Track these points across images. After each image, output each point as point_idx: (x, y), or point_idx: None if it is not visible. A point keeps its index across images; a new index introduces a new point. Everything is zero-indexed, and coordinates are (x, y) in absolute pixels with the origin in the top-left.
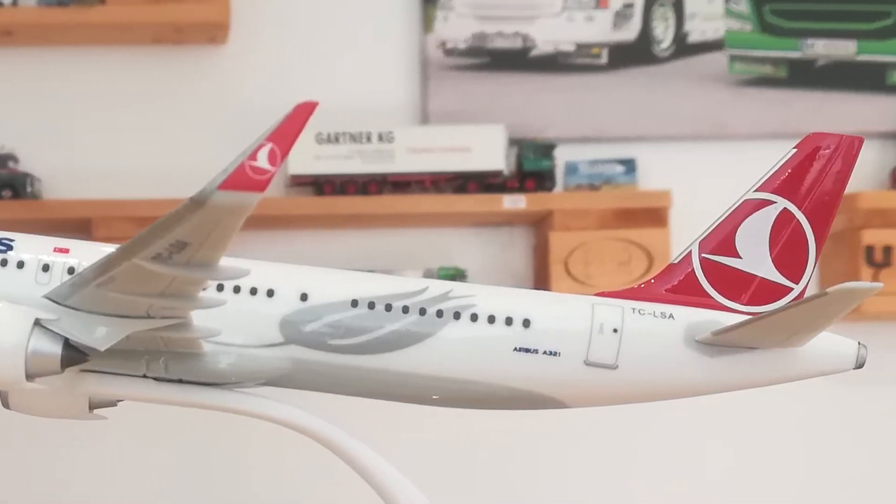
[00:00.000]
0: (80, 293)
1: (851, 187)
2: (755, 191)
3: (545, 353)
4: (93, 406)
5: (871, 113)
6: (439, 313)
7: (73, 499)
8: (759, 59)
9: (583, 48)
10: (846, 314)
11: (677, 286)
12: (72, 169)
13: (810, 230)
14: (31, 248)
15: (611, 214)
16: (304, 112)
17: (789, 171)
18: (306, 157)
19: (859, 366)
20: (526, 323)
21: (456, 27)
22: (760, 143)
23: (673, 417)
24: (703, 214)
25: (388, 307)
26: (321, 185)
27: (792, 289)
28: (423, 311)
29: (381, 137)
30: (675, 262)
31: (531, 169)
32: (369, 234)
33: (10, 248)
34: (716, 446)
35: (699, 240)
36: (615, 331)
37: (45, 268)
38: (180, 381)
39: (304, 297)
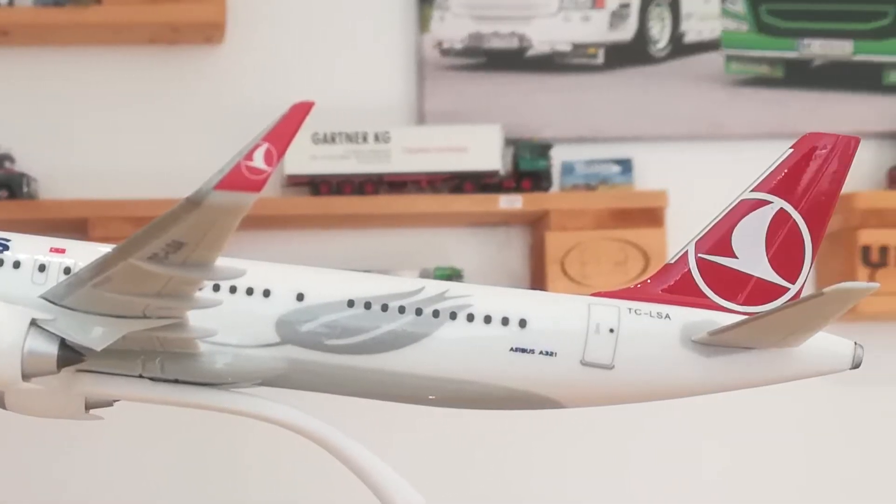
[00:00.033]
0: (76, 293)
1: (848, 187)
2: (751, 191)
3: (542, 353)
4: (89, 406)
5: (867, 113)
6: (436, 313)
7: (70, 499)
8: (756, 59)
9: (579, 48)
10: (843, 314)
11: (674, 286)
12: (68, 169)
13: (807, 230)
14: (27, 248)
15: (607, 214)
16: (300, 112)
17: (786, 171)
18: (302, 157)
19: (856, 366)
20: (522, 323)
21: (452, 27)
22: (757, 143)
23: (669, 417)
24: (699, 214)
25: (385, 307)
26: (317, 185)
27: (788, 289)
28: (419, 312)
29: (377, 137)
30: (672, 262)
31: (527, 169)
32: (366, 235)
33: (6, 248)
34: (712, 446)
35: (695, 240)
36: (611, 331)
37: (42, 268)
38: (176, 382)
39: (300, 298)
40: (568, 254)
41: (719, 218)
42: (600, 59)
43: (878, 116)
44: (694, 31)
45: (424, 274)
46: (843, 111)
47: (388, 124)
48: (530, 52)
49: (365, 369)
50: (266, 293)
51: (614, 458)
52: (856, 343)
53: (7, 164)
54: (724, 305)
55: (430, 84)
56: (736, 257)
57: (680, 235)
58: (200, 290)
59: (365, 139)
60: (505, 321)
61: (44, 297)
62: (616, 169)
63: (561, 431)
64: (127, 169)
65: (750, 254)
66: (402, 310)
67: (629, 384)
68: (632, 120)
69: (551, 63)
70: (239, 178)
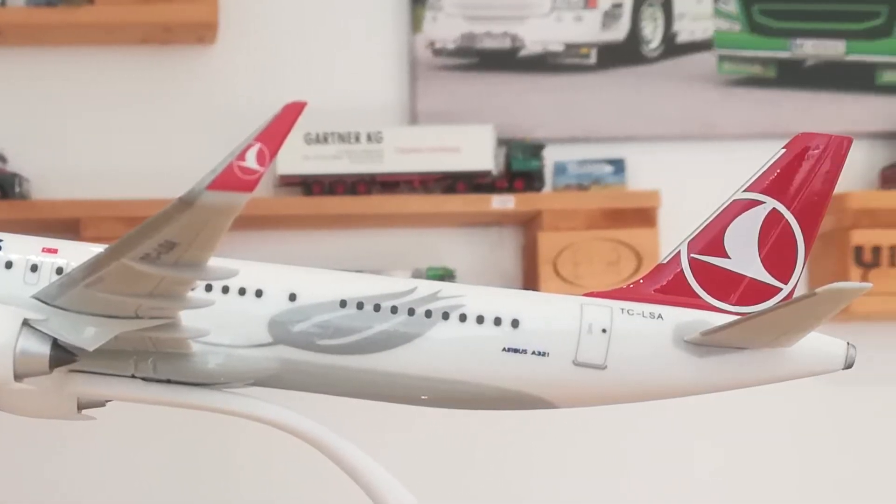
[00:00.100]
0: (68, 293)
1: (840, 187)
2: (744, 191)
3: (534, 353)
4: (81, 406)
5: (860, 113)
6: (428, 313)
7: (63, 499)
8: (748, 59)
9: (572, 48)
10: (835, 314)
11: (666, 286)
12: (60, 169)
13: (799, 230)
14: (19, 248)
15: (599, 214)
16: (292, 112)
17: (778, 171)
18: (295, 158)
19: (848, 366)
20: (515, 323)
21: (445, 27)
22: (749, 143)
23: (662, 418)
24: (691, 214)
25: (377, 307)
26: (310, 185)
27: (781, 289)
28: (411, 312)
29: (369, 137)
30: (664, 262)
31: (520, 169)
32: (358, 235)
33: None
34: (705, 446)
35: (688, 240)
36: (604, 331)
37: (34, 268)
38: (169, 382)
39: (292, 298)
40: (560, 254)
41: (712, 218)
42: (593, 60)
43: (870, 116)
44: (686, 31)
45: (417, 274)
46: (836, 111)
47: (380, 124)
48: (523, 53)
49: (357, 369)
50: (258, 293)
51: (607, 459)
52: (848, 343)
53: None
54: (717, 305)
55: (423, 84)
56: (728, 257)
57: (672, 235)
58: (193, 290)
59: (357, 139)
60: (497, 321)
61: (36, 298)
62: (608, 169)
63: (554, 432)
64: (119, 169)
65: (742, 254)
66: (394, 310)
67: (622, 384)
68: (624, 120)
69: (544, 63)
70: (231, 178)
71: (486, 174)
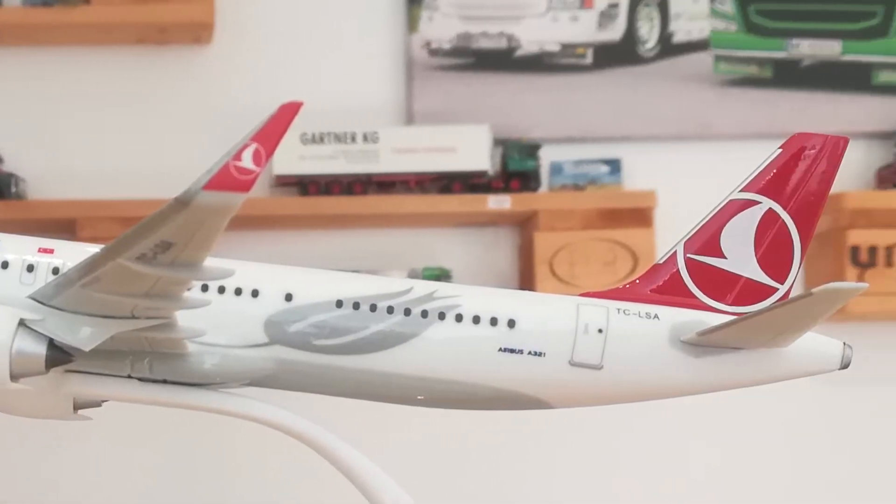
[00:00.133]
0: (64, 293)
1: (836, 187)
2: (740, 191)
3: (530, 353)
4: (77, 406)
5: (856, 113)
6: (424, 314)
7: (59, 499)
8: (744, 59)
9: (568, 48)
10: (831, 314)
11: (662, 286)
12: (57, 169)
13: (795, 230)
14: (15, 248)
15: (596, 215)
16: (288, 112)
17: (774, 171)
18: (291, 158)
19: (844, 366)
20: (511, 323)
21: (441, 27)
22: (745, 143)
23: (658, 418)
24: (688, 215)
25: (373, 307)
26: (306, 185)
27: (777, 289)
28: (407, 312)
29: (365, 138)
30: (660, 262)
31: (516, 169)
32: (354, 235)
33: None
34: (701, 447)
35: (684, 240)
36: (600, 331)
37: (30, 268)
38: (165, 382)
39: (288, 298)
40: (556, 254)
41: (708, 218)
42: (589, 60)
43: (866, 116)
44: (683, 31)
45: (413, 274)
46: (832, 111)
47: (376, 124)
48: (519, 53)
49: (353, 370)
50: (255, 293)
51: (603, 459)
52: (845, 343)
53: None
54: (713, 306)
55: (419, 84)
56: (725, 257)
57: (668, 236)
58: (189, 290)
59: (353, 139)
60: (493, 321)
61: (32, 298)
62: (605, 169)
63: (550, 432)
64: (115, 169)
65: (739, 254)
66: (390, 310)
67: (618, 384)
68: (620, 120)
69: (540, 63)
70: (227, 179)
71: (482, 174)
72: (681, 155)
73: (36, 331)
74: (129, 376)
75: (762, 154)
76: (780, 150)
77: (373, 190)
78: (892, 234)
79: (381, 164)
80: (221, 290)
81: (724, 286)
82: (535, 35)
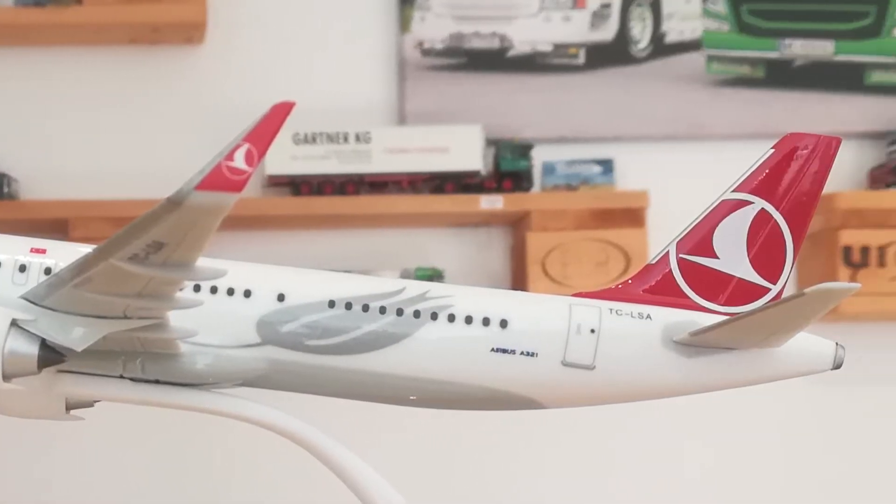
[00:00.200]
0: (56, 294)
1: (829, 188)
2: (733, 191)
3: (522, 353)
4: (70, 407)
5: (848, 113)
6: (416, 314)
7: (52, 499)
8: (737, 59)
9: (560, 48)
10: (824, 315)
11: (655, 287)
12: (49, 169)
13: (788, 231)
14: (7, 248)
15: (588, 215)
16: (281, 112)
17: (767, 171)
18: (283, 158)
19: (837, 366)
20: (503, 323)
21: (433, 27)
22: (738, 143)
23: (651, 418)
24: (680, 215)
25: (366, 308)
26: (298, 185)
27: (770, 289)
28: (400, 312)
29: (358, 138)
30: (653, 262)
31: (508, 169)
32: (346, 235)
33: None
34: (694, 447)
35: (676, 240)
36: (592, 331)
37: (22, 268)
38: (157, 382)
39: (281, 298)
40: (549, 254)
41: (700, 218)
42: (581, 60)
43: (859, 117)
44: (675, 31)
45: (405, 274)
46: (825, 111)
47: (369, 124)
48: (511, 53)
49: (346, 370)
50: (247, 293)
51: (596, 459)
52: (837, 343)
53: None
54: (706, 306)
55: (411, 84)
56: (717, 258)
57: (661, 236)
58: (181, 290)
59: (346, 139)
60: (486, 322)
61: (24, 298)
62: (597, 169)
63: (542, 432)
64: (108, 169)
65: (731, 254)
66: (382, 310)
67: (610, 385)
68: (613, 120)
69: (532, 63)
70: (220, 179)
71: (474, 174)
72: (673, 155)
73: (28, 331)
74: (122, 376)
75: (755, 154)
76: (773, 151)
77: (365, 190)
78: (885, 235)
79: (374, 164)
80: (214, 290)
81: (716, 286)
82: (528, 35)
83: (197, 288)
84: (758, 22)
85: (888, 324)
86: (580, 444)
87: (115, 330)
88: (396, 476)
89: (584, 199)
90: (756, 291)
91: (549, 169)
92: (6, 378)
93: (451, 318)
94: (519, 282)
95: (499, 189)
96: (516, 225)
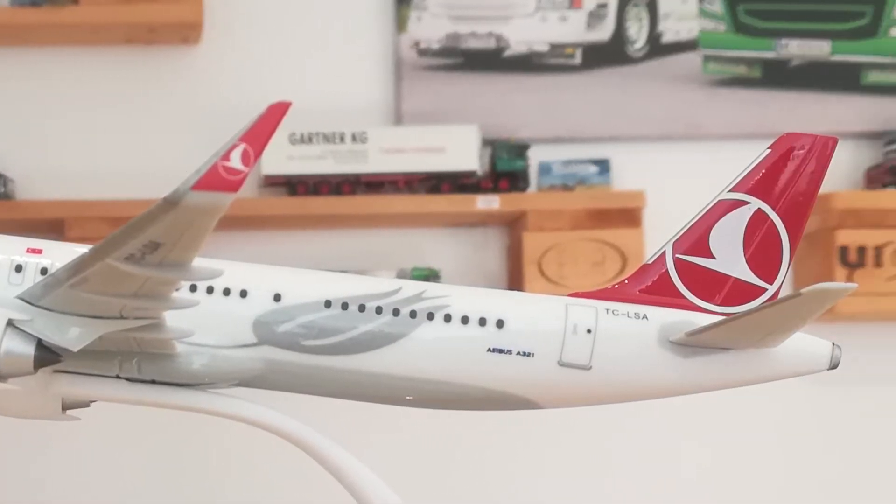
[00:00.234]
0: (53, 294)
1: (825, 188)
2: (729, 191)
3: (519, 353)
4: (66, 407)
5: (845, 113)
6: (413, 314)
7: (47, 499)
8: (733, 59)
9: (556, 48)
10: (820, 315)
11: (651, 287)
12: (45, 169)
13: (784, 231)
14: (3, 248)
15: (584, 215)
16: (277, 112)
17: (763, 171)
18: (279, 158)
19: (833, 366)
20: (500, 324)
21: (429, 27)
22: (734, 143)
23: (648, 418)
24: (676, 215)
25: (362, 308)
26: (294, 185)
27: (766, 289)
28: (396, 312)
29: (354, 138)
30: (649, 262)
31: (505, 169)
32: (343, 235)
33: None
34: (691, 447)
35: (673, 240)
36: (589, 331)
37: (18, 268)
38: (153, 382)
39: (277, 298)
40: (545, 254)
41: (697, 218)
42: (578, 60)
43: (855, 116)
44: (671, 31)
45: (402, 274)
46: (821, 111)
47: (365, 124)
48: (507, 53)
49: (342, 370)
50: (243, 294)
51: (593, 459)
52: (833, 343)
53: None
54: (702, 306)
55: (408, 84)
56: (713, 258)
57: (657, 236)
58: (177, 290)
59: (342, 139)
60: (482, 322)
61: (20, 298)
62: (593, 169)
63: (539, 432)
64: (104, 169)
65: (727, 254)
66: (379, 310)
67: (606, 385)
68: (609, 120)
69: (529, 63)
70: (216, 179)
71: (470, 174)
72: (670, 155)
73: (24, 331)
74: (118, 377)
75: (751, 154)
76: (769, 151)
77: (361, 190)
78: (881, 235)
79: (370, 164)
80: (210, 290)
81: (712, 286)
82: (524, 35)
83: (193, 288)
84: (754, 22)
85: (884, 324)
86: (577, 445)
87: (111, 330)
88: (393, 476)
89: (581, 199)
90: (752, 291)
91: (545, 169)
92: (2, 378)
93: (448, 318)
94: (515, 282)
95: (495, 189)
96: (513, 225)
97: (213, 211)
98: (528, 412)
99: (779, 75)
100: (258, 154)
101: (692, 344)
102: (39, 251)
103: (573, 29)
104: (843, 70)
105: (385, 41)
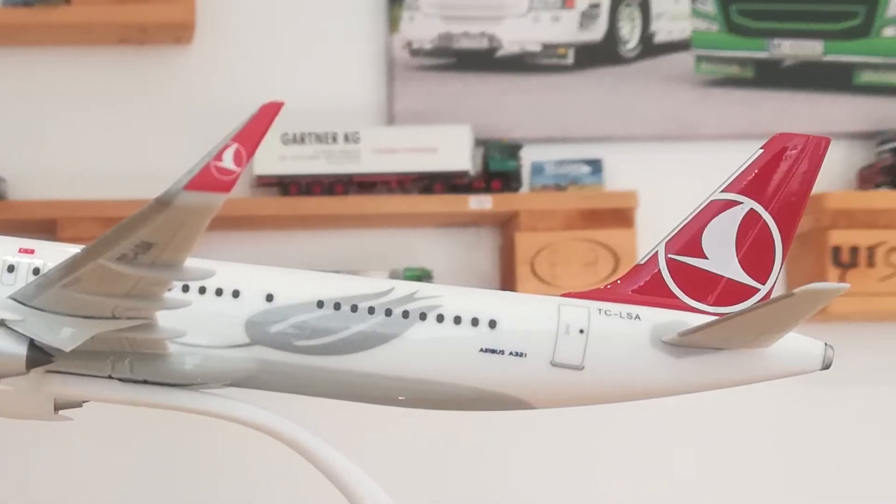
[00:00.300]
0: (45, 294)
1: (818, 188)
2: (722, 191)
3: (511, 353)
4: (58, 407)
5: (837, 113)
6: (405, 314)
7: (39, 499)
8: (726, 59)
9: (549, 48)
10: (813, 315)
11: (644, 287)
12: (37, 169)
13: (777, 231)
14: None
15: (577, 215)
16: (269, 112)
17: (756, 171)
18: (272, 158)
19: (826, 367)
20: (492, 324)
21: (422, 27)
22: (727, 143)
23: (640, 418)
24: (669, 215)
25: (354, 308)
26: (287, 185)
27: (759, 289)
28: (388, 312)
29: (346, 138)
30: (642, 262)
31: (497, 169)
32: (335, 235)
33: None
34: (684, 447)
35: (665, 240)
36: (581, 331)
37: (10, 268)
38: (145, 382)
39: (269, 298)
40: (538, 254)
41: (689, 218)
42: (570, 60)
43: (848, 117)
44: (664, 31)
45: (394, 275)
46: (814, 111)
47: (357, 125)
48: (500, 53)
49: (334, 370)
50: (235, 294)
51: (586, 459)
52: (826, 344)
53: None
54: (695, 306)
55: (400, 84)
56: (706, 258)
57: (650, 236)
58: (170, 290)
59: (334, 139)
60: (475, 322)
61: (12, 298)
62: (586, 169)
63: (532, 433)
64: (96, 169)
65: (720, 254)
66: (371, 310)
67: (599, 385)
68: (602, 120)
69: (521, 63)
70: (208, 179)
71: (463, 174)
72: (662, 155)
73: (16, 331)
74: (110, 377)
75: (744, 154)
76: (762, 151)
77: (354, 190)
78: (874, 235)
79: (363, 164)
80: (202, 290)
81: (705, 287)
82: (517, 35)
83: (185, 288)
84: (747, 22)
85: (877, 324)
86: (570, 445)
87: (103, 330)
88: (385, 477)
89: (573, 199)
90: (745, 292)
91: (537, 169)
92: None
93: (440, 318)
94: (508, 282)
95: (487, 189)
96: (505, 225)
97: (205, 211)
98: (520, 412)
99: (771, 75)
100: (250, 154)
101: (685, 344)
102: (32, 251)
103: (566, 29)
104: (836, 70)
105: (377, 41)
